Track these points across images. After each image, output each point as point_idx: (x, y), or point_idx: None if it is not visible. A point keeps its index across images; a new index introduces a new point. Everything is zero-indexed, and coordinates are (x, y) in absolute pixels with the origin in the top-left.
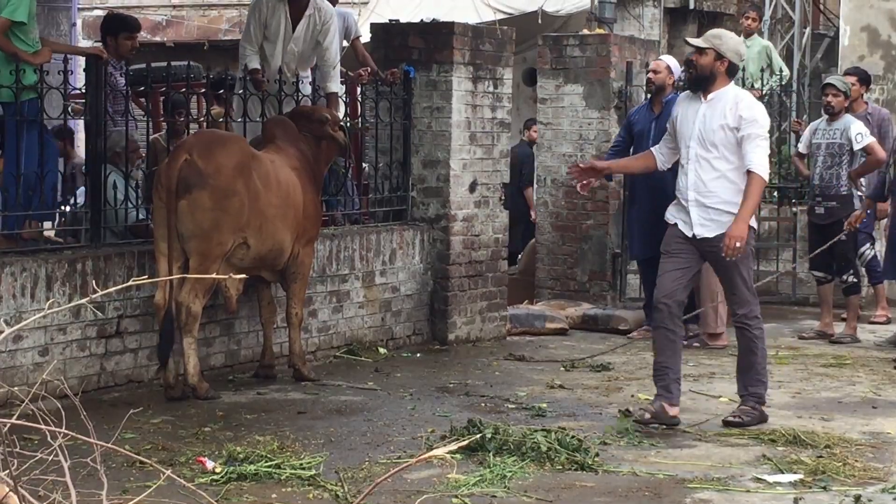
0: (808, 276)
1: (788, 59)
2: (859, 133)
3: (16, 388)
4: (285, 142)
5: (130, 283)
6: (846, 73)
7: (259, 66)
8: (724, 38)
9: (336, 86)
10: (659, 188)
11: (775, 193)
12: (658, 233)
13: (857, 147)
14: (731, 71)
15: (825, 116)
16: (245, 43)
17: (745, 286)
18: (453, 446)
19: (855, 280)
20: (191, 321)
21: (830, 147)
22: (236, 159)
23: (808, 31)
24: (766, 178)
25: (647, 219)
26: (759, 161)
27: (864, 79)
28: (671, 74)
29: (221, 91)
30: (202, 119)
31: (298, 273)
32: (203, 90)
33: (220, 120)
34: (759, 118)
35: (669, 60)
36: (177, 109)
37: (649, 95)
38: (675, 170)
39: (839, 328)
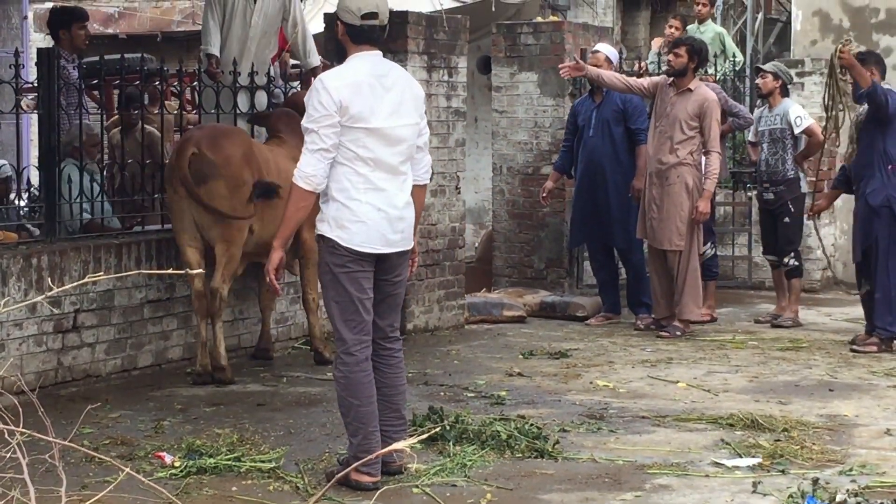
0: (764, 260)
1: (741, 44)
2: (798, 116)
3: None
4: (288, 134)
5: (87, 279)
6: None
7: (217, 53)
8: None
9: (317, 59)
10: (599, 177)
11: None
12: (600, 220)
13: (797, 131)
14: None
15: (766, 103)
16: (208, 22)
17: None
18: (415, 439)
19: (797, 263)
20: (222, 306)
21: (773, 133)
22: (242, 149)
23: (760, 16)
24: None
25: (583, 207)
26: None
27: (775, 75)
28: (611, 64)
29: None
30: (156, 112)
31: (310, 259)
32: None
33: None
34: None
35: (607, 50)
36: (131, 103)
37: (590, 86)
38: (612, 161)
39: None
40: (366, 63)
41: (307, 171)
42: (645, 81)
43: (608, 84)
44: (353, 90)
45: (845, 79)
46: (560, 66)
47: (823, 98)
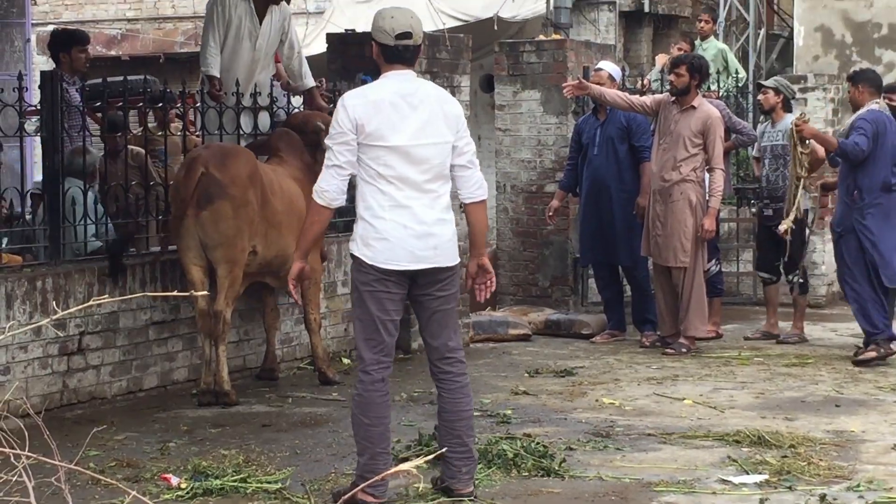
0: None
1: (744, 60)
2: None
3: None
4: (288, 154)
5: (92, 302)
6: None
7: (218, 74)
8: None
9: (311, 80)
10: (603, 195)
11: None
12: (605, 238)
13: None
14: None
15: (769, 119)
16: (209, 44)
17: None
18: (421, 460)
19: (802, 280)
20: (226, 329)
21: (774, 149)
22: (248, 170)
23: (762, 32)
24: None
25: (593, 225)
26: None
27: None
28: (614, 82)
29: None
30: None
31: (310, 279)
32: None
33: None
34: None
35: (609, 68)
36: (114, 128)
37: (594, 104)
38: (617, 178)
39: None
40: (393, 82)
41: (322, 186)
42: (647, 99)
43: (611, 102)
44: (372, 108)
45: (806, 151)
46: (563, 84)
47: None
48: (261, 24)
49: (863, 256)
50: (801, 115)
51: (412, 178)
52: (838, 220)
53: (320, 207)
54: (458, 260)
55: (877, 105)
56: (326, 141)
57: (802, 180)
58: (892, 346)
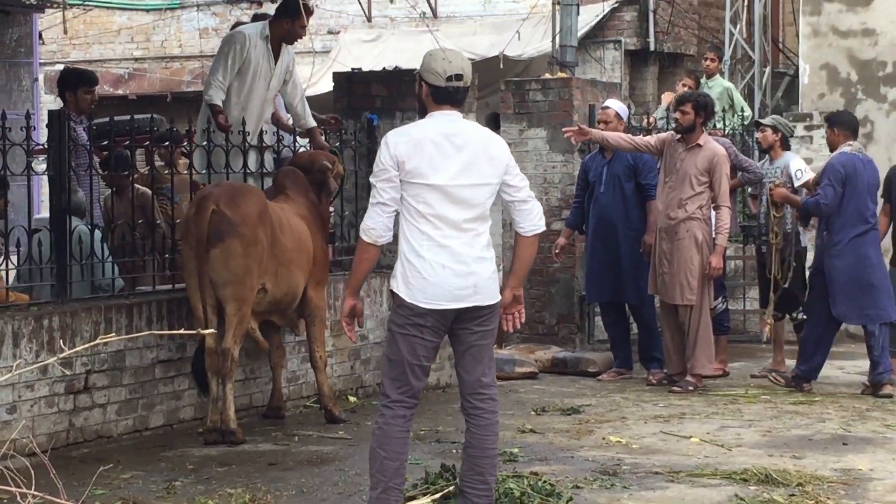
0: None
1: (749, 98)
2: (799, 169)
3: None
4: (295, 192)
5: (98, 340)
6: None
7: (221, 104)
8: None
9: (312, 119)
10: (610, 233)
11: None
12: (612, 276)
13: (797, 183)
14: None
15: (767, 156)
16: (217, 76)
17: None
18: (428, 499)
19: (805, 317)
20: (233, 367)
21: None
22: (258, 208)
23: (767, 70)
24: None
25: (599, 263)
26: None
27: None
28: (621, 120)
29: (167, 144)
30: (167, 172)
31: (315, 316)
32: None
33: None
34: None
35: (616, 106)
36: (120, 165)
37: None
38: (623, 217)
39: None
40: (437, 122)
41: (367, 224)
42: (651, 139)
43: (614, 145)
44: (414, 146)
45: (779, 215)
46: (564, 130)
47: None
48: (276, 64)
49: (826, 297)
50: (774, 183)
51: (452, 217)
52: (814, 260)
53: (367, 245)
54: (499, 298)
55: (850, 147)
56: (371, 179)
57: (775, 244)
58: (804, 385)
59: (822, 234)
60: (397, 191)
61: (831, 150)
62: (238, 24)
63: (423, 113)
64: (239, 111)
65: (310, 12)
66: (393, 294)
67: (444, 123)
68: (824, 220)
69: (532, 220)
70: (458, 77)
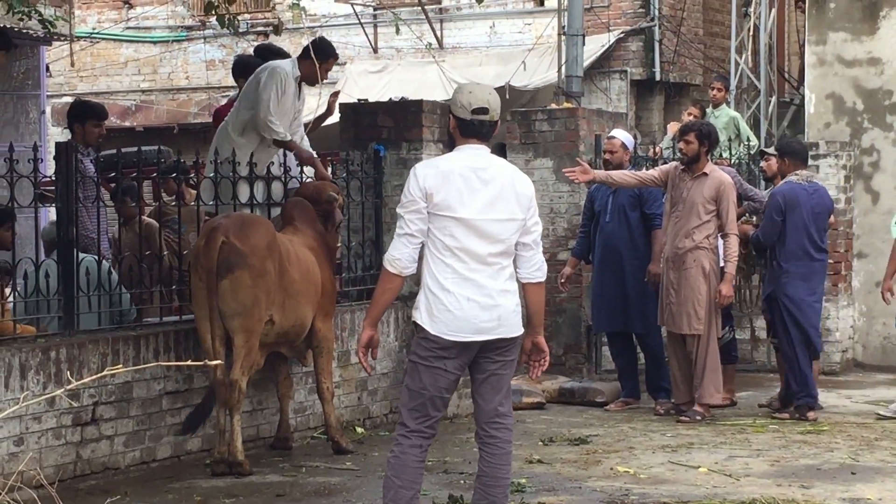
0: None
1: (755, 127)
2: None
3: None
4: (302, 223)
5: (105, 372)
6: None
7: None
8: None
9: (311, 150)
10: (616, 263)
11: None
12: (618, 306)
13: None
14: None
15: (772, 185)
16: (271, 115)
17: None
18: None
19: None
20: (241, 398)
21: None
22: (266, 239)
23: (773, 99)
24: None
25: (606, 292)
26: None
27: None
28: (626, 150)
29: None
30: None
31: (323, 347)
32: (155, 175)
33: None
34: None
35: (622, 136)
36: (128, 196)
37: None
38: (629, 246)
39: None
40: (465, 155)
41: (393, 255)
42: (655, 172)
43: (619, 183)
44: (442, 179)
45: (745, 251)
46: (566, 171)
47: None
48: (299, 102)
49: (788, 323)
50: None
51: (477, 251)
52: (765, 289)
53: (391, 276)
54: (522, 330)
55: (796, 177)
56: (398, 209)
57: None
58: (809, 414)
59: (773, 262)
60: (425, 222)
61: (781, 177)
62: (241, 57)
63: (451, 146)
64: (265, 145)
65: (335, 57)
66: (416, 325)
67: (472, 157)
68: (771, 249)
69: (529, 268)
70: (484, 111)
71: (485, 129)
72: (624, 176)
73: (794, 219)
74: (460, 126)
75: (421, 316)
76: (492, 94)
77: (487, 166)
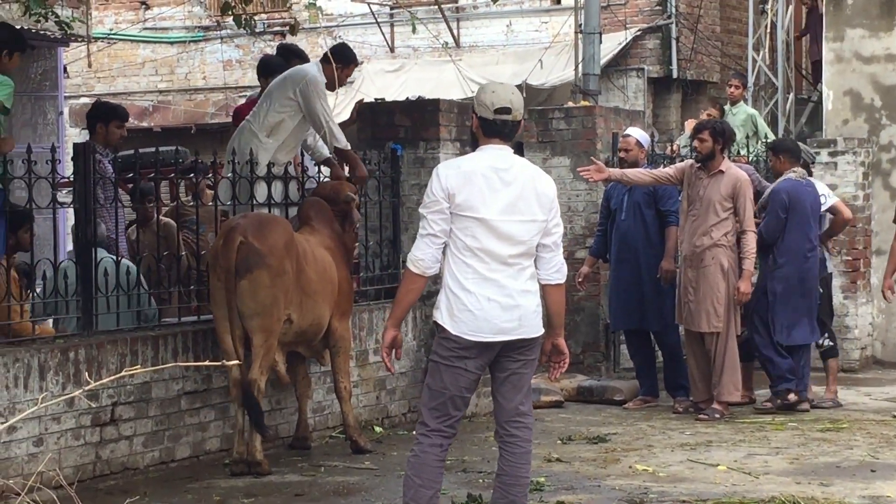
0: None
1: (773, 124)
2: (822, 194)
3: (10, 481)
4: (319, 223)
5: (124, 373)
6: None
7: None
8: None
9: (327, 150)
10: (632, 260)
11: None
12: (635, 303)
13: (822, 208)
14: None
15: None
16: (332, 120)
17: None
18: None
19: (831, 343)
20: (259, 398)
21: None
22: (284, 239)
23: (791, 96)
24: None
25: (621, 291)
26: None
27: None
28: (642, 148)
29: (192, 175)
30: (191, 205)
31: (340, 347)
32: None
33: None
34: None
35: (637, 134)
36: (146, 197)
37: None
38: (645, 243)
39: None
40: (487, 155)
41: (416, 255)
42: (670, 170)
43: (634, 181)
44: (464, 179)
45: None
46: (580, 170)
47: None
48: None
49: (767, 315)
50: None
51: (498, 251)
52: (757, 280)
53: (415, 276)
54: (542, 331)
55: (794, 174)
56: (421, 210)
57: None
58: (790, 396)
59: (768, 257)
60: (448, 223)
61: (776, 177)
62: (266, 57)
63: (474, 146)
64: (285, 146)
65: (356, 63)
66: (437, 325)
67: (494, 158)
68: (769, 244)
69: (549, 269)
70: (506, 110)
71: (507, 129)
72: (639, 174)
73: (797, 216)
74: (483, 126)
75: (442, 316)
76: (515, 94)
77: (510, 167)
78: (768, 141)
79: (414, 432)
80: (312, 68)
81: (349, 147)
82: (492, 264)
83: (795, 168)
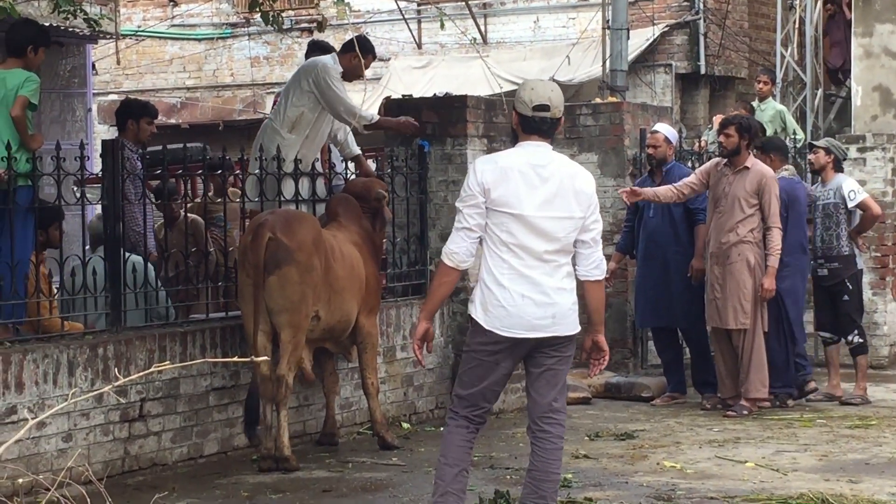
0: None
1: (802, 120)
2: (852, 190)
3: (40, 476)
4: (347, 219)
5: (153, 369)
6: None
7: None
8: None
9: (356, 147)
10: (659, 257)
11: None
12: (663, 301)
13: (851, 205)
14: None
15: (820, 178)
16: (349, 100)
17: None
18: None
19: (861, 340)
20: (287, 394)
21: (826, 208)
22: (313, 235)
23: (819, 92)
24: None
25: (649, 288)
26: None
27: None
28: (670, 144)
29: (219, 172)
30: (219, 201)
31: (367, 343)
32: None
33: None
34: None
35: (665, 130)
36: (171, 196)
37: (650, 166)
38: (672, 240)
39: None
40: (525, 151)
41: (451, 248)
42: (693, 178)
43: (666, 200)
44: (501, 175)
45: None
46: (620, 191)
47: None
48: None
49: (778, 315)
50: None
51: (534, 248)
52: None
53: (449, 269)
54: (578, 329)
55: (787, 172)
56: (457, 203)
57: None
58: (788, 401)
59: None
60: (483, 217)
61: None
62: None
63: (514, 142)
64: (310, 141)
65: (374, 55)
66: (471, 319)
67: (532, 154)
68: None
69: (587, 265)
70: (545, 108)
71: (546, 126)
72: (669, 191)
73: (795, 213)
74: (522, 122)
75: (476, 310)
76: (554, 91)
77: (547, 163)
78: (764, 140)
79: (441, 428)
80: (325, 58)
81: (376, 118)
82: (527, 260)
83: (787, 166)
